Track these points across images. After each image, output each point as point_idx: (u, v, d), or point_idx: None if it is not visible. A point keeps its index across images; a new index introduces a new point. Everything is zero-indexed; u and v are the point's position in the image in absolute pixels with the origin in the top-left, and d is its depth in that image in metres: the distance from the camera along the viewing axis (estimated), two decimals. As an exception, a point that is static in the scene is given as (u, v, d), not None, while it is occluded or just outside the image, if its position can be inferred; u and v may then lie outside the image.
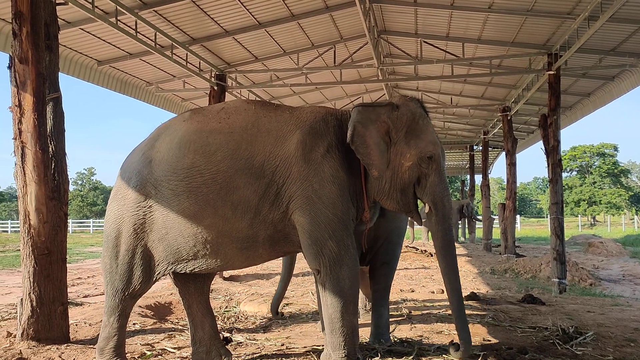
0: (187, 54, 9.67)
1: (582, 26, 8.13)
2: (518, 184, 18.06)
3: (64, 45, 8.51)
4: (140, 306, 6.44)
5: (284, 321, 5.67)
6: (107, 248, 3.59)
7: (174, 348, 4.39)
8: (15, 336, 4.73)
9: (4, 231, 36.92)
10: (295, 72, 11.65)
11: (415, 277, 9.79)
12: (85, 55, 9.25)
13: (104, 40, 8.76)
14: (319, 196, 3.38)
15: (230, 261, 3.51)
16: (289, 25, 9.75)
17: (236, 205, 3.36)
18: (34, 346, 4.40)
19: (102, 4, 7.36)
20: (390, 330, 4.71)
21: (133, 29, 8.06)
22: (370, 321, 4.54)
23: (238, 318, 6.01)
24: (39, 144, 4.75)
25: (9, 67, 4.85)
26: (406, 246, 15.25)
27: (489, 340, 4.56)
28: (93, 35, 8.46)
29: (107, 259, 3.58)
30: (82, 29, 8.12)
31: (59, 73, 5.29)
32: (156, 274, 3.55)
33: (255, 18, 9.11)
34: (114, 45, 9.09)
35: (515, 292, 8.09)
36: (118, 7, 7.35)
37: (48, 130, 4.95)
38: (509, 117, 14.16)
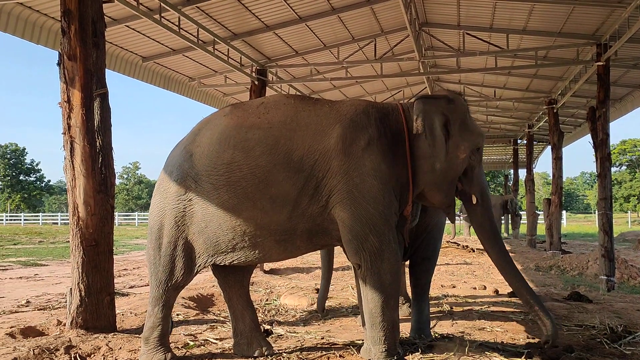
0: (228, 49, 9.79)
1: (633, 15, 7.81)
2: (564, 179, 17.59)
3: (110, 42, 8.73)
4: (183, 297, 6.58)
5: (324, 315, 5.69)
6: (151, 240, 3.68)
7: (216, 339, 4.47)
8: (65, 324, 4.91)
9: (54, 223, 38.35)
10: (336, 66, 11.65)
11: (457, 273, 9.66)
12: (131, 52, 9.47)
13: (148, 37, 8.95)
14: (360, 190, 3.37)
15: (268, 253, 3.55)
16: (329, 19, 9.74)
17: (275, 199, 3.39)
18: (82, 334, 4.55)
19: (146, 0, 7.53)
20: (431, 326, 4.66)
21: (176, 25, 8.20)
22: (408, 316, 4.50)
23: (278, 311, 6.07)
24: (87, 138, 4.86)
25: (58, 64, 4.98)
26: (447, 241, 15.05)
27: (533, 338, 4.46)
28: (138, 32, 8.65)
29: (151, 250, 3.67)
30: (127, 26, 8.31)
31: (106, 69, 5.43)
32: (197, 266, 3.61)
33: (295, 12, 9.13)
34: (157, 42, 9.27)
35: (561, 289, 7.88)
36: (162, 3, 7.49)
37: (95, 125, 5.07)
38: (555, 110, 13.77)
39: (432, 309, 5.68)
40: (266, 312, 5.99)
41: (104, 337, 4.48)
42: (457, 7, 9.58)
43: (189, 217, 3.55)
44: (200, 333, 4.73)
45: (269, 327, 4.86)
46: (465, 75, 14.34)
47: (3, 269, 11.10)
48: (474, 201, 3.72)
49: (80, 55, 4.90)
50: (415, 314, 4.37)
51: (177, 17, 7.97)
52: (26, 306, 6.66)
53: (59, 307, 6.29)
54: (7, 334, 4.62)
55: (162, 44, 9.43)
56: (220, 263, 3.60)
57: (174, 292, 3.69)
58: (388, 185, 3.46)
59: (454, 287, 7.73)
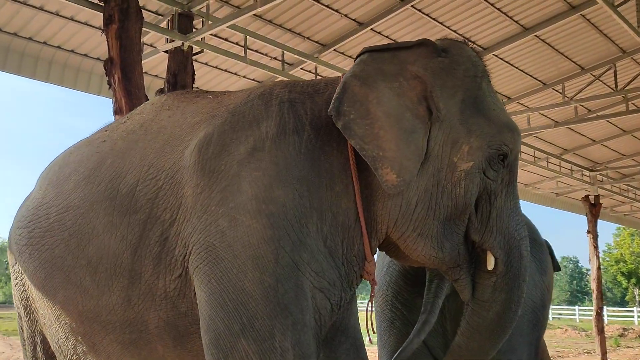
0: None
1: None
2: None
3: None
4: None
5: None
6: (19, 334, 2.58)
7: None
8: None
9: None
10: (563, 107, 8.89)
11: None
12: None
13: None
14: (228, 244, 1.70)
15: None
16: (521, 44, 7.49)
17: (96, 265, 1.94)
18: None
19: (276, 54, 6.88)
20: None
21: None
22: None
23: None
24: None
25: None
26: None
27: None
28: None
29: (23, 350, 2.55)
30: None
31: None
32: None
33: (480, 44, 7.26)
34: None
35: None
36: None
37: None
38: None
39: None
40: None
41: None
42: None
43: (32, 301, 2.35)
44: None
45: None
46: None
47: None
48: (489, 265, 1.83)
49: (126, 108, 4.40)
50: None
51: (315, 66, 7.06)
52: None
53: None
54: None
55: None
56: None
57: None
58: (293, 228, 1.71)
59: None
